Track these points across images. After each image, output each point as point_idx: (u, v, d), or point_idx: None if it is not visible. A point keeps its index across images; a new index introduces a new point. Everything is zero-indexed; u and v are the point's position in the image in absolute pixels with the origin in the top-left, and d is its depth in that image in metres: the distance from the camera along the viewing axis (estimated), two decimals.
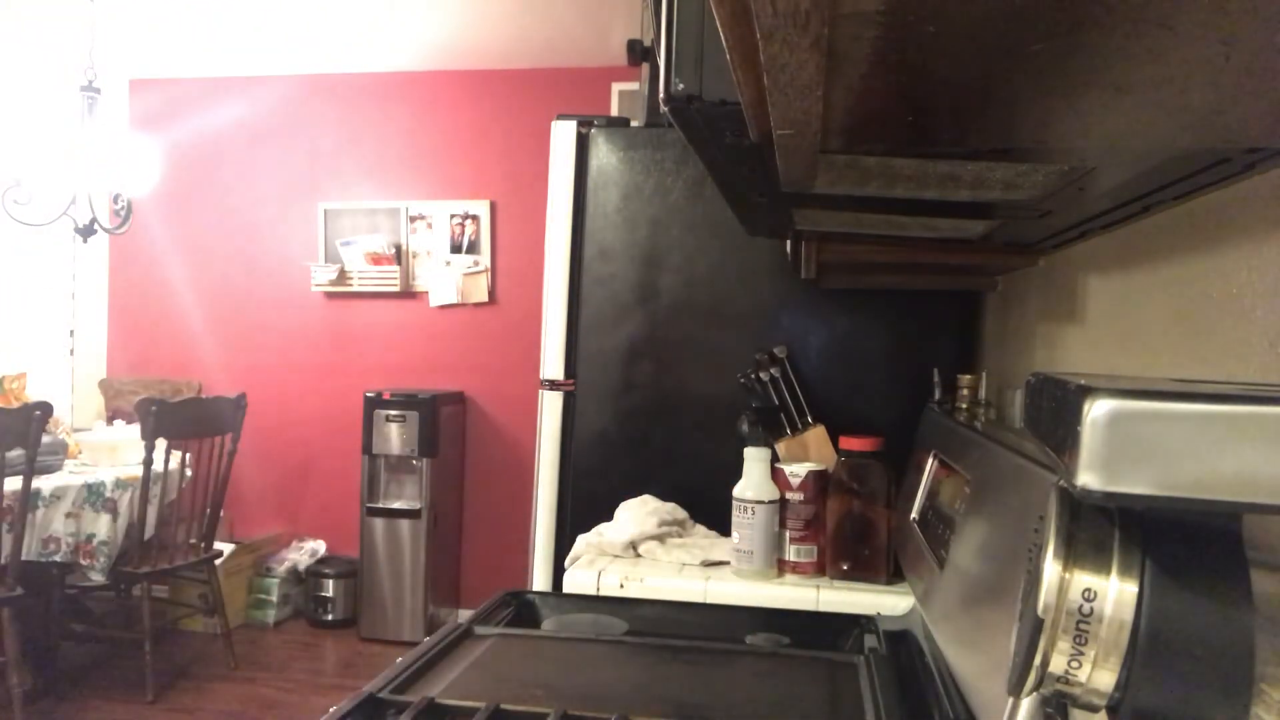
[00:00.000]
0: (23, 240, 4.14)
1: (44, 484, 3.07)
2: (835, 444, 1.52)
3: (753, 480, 1.43)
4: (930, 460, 1.24)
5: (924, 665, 1.06)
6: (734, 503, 1.42)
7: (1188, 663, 0.39)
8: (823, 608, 1.36)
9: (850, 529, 1.41)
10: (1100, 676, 0.41)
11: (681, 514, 1.62)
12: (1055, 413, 0.43)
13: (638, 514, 1.58)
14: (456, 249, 4.39)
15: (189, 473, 3.49)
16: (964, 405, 1.36)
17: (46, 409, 2.93)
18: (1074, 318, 1.14)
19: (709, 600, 1.38)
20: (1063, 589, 0.41)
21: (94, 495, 3.19)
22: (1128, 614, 0.40)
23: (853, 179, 0.82)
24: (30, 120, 4.15)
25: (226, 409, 3.56)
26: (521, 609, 1.31)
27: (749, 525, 1.41)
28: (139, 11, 3.78)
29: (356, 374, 4.45)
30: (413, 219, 4.43)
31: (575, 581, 1.44)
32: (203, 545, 3.50)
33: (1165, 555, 0.41)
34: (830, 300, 1.69)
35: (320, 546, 4.37)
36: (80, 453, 3.48)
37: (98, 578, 3.18)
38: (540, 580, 1.76)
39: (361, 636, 4.06)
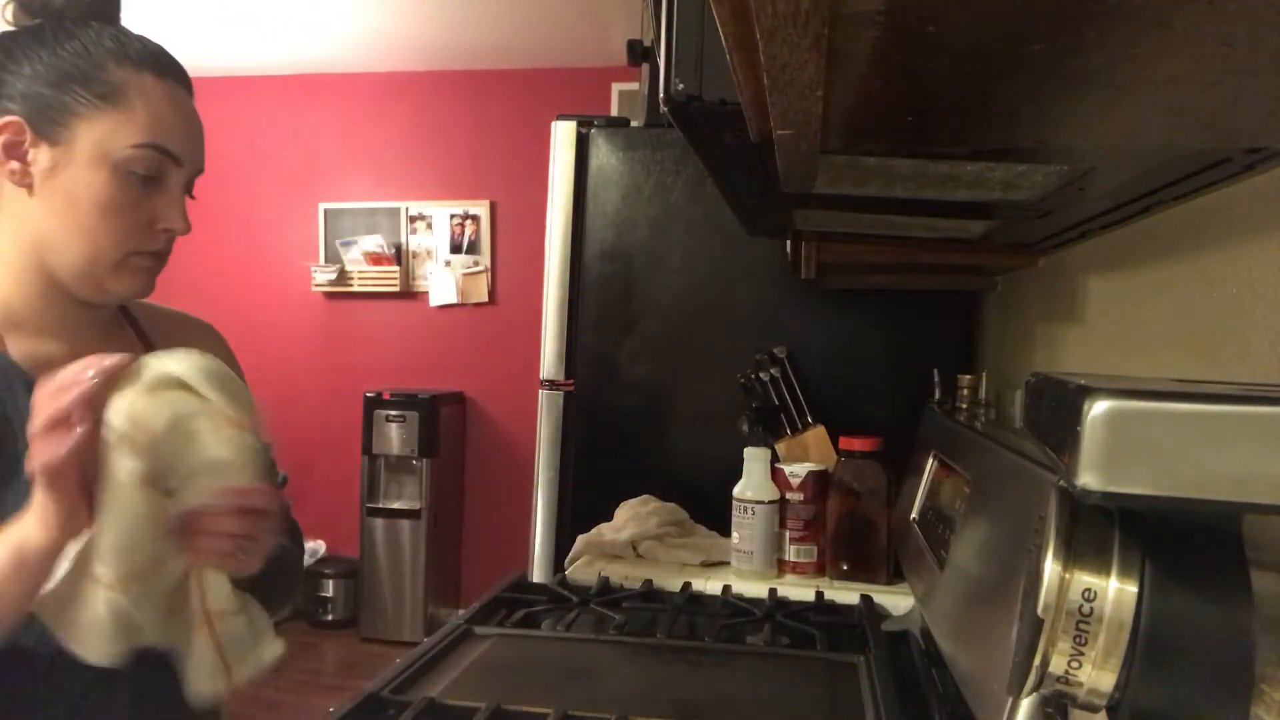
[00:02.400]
0: None
1: None
2: (835, 444, 1.52)
3: (753, 480, 1.43)
4: (930, 460, 1.24)
5: (924, 665, 1.06)
6: (734, 503, 1.42)
7: (1188, 663, 0.39)
8: None
9: (850, 529, 1.41)
10: (1100, 677, 0.41)
11: (681, 514, 1.62)
12: (1055, 413, 0.43)
13: (638, 514, 1.58)
14: (456, 249, 4.39)
15: None
16: (964, 405, 1.36)
17: None
18: (1074, 318, 1.14)
19: None
20: (1063, 589, 0.42)
21: None
22: (1128, 614, 0.40)
23: (853, 179, 0.82)
24: None
25: None
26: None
27: (749, 525, 1.41)
28: (138, 11, 3.78)
29: (356, 374, 4.44)
30: (413, 219, 4.43)
31: (575, 581, 1.43)
32: None
33: (1165, 555, 0.41)
34: (830, 300, 1.68)
35: (320, 546, 4.36)
36: None
37: None
38: (540, 580, 1.75)
39: (361, 637, 4.06)
